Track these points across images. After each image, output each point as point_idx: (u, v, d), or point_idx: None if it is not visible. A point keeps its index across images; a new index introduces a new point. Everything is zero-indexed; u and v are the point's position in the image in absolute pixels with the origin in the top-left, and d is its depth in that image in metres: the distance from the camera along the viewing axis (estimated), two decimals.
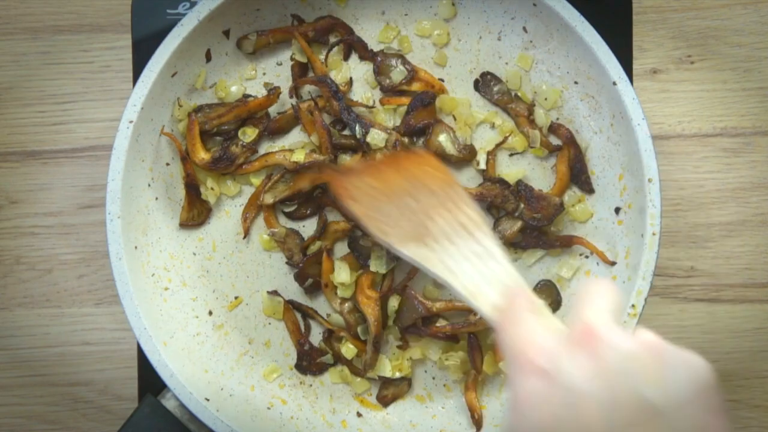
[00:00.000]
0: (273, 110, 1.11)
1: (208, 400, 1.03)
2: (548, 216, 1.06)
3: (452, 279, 0.84)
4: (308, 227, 1.11)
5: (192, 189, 1.08)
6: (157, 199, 1.08)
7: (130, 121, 1.02)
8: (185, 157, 1.08)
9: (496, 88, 1.10)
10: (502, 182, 1.07)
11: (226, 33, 1.07)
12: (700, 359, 0.66)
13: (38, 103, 1.18)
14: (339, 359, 1.10)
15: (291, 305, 1.10)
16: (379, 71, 1.08)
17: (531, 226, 1.07)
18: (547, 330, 0.72)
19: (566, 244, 1.08)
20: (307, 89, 1.10)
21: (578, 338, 0.68)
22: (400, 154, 0.99)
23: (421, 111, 1.06)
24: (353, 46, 1.10)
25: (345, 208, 0.95)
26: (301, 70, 1.10)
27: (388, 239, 0.90)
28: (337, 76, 1.09)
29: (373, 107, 1.10)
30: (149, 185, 1.07)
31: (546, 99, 1.08)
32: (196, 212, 1.10)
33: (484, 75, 1.10)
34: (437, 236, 0.87)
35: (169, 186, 1.09)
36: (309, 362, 1.10)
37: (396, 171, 0.95)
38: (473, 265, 0.83)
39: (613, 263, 1.05)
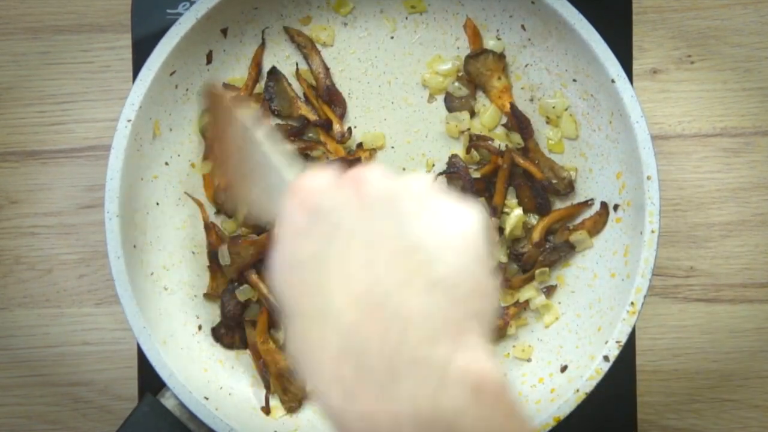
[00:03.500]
0: None
1: (207, 398, 1.03)
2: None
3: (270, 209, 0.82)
4: None
5: (215, 260, 1.09)
6: (156, 198, 1.08)
7: (129, 120, 1.02)
8: (209, 226, 1.09)
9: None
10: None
11: (224, 31, 1.08)
12: (470, 210, 0.66)
13: (38, 103, 1.18)
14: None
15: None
16: None
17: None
18: (325, 176, 0.70)
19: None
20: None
21: (347, 178, 0.68)
22: None
23: None
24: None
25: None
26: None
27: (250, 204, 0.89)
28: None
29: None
30: (148, 184, 1.07)
31: (554, 108, 1.09)
32: (220, 282, 1.10)
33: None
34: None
35: (168, 185, 1.09)
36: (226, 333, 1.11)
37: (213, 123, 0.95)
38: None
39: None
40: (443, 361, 0.59)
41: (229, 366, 1.09)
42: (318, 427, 1.08)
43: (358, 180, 0.67)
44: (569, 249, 1.09)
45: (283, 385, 1.08)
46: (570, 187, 1.09)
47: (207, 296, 1.10)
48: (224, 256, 1.06)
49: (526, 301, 1.10)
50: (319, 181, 0.69)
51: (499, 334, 1.10)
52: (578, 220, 1.09)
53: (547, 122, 1.10)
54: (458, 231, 0.64)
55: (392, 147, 1.11)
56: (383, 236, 0.63)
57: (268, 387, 1.09)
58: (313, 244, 0.65)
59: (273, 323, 1.09)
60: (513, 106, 1.08)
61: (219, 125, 0.92)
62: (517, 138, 1.09)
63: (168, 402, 1.04)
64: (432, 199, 0.66)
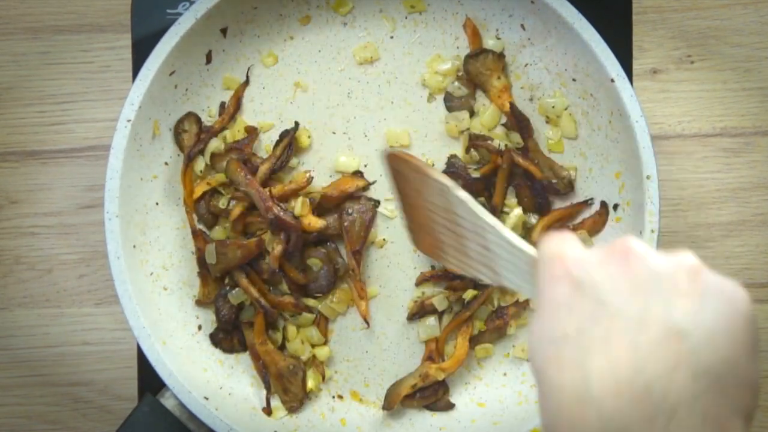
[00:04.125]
0: None
1: (207, 398, 1.03)
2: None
3: (489, 274, 0.83)
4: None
5: (205, 266, 1.08)
6: (156, 198, 1.08)
7: (128, 120, 1.02)
8: (197, 232, 1.09)
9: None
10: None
11: (224, 31, 1.08)
12: (740, 290, 0.63)
13: (38, 103, 1.18)
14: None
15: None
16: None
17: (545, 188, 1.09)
18: (583, 246, 0.69)
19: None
20: None
21: (614, 252, 0.65)
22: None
23: None
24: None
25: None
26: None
27: (451, 263, 0.90)
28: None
29: None
30: (148, 184, 1.07)
31: (554, 106, 1.09)
32: (211, 288, 1.10)
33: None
34: (456, 247, 0.87)
35: (167, 185, 1.09)
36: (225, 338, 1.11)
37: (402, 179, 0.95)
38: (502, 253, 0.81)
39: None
40: None
41: (228, 366, 1.09)
42: (318, 427, 1.08)
43: (627, 254, 0.65)
44: None
45: (284, 386, 1.08)
46: (570, 186, 1.09)
47: (199, 303, 1.10)
48: (211, 255, 1.06)
49: (526, 301, 1.10)
50: (581, 250, 0.67)
51: (499, 333, 1.10)
52: (578, 220, 1.09)
53: (547, 122, 1.10)
54: (728, 316, 0.61)
55: (392, 147, 1.11)
56: (650, 319, 0.61)
57: (268, 388, 1.09)
58: (575, 319, 0.63)
59: (270, 324, 1.09)
60: (512, 105, 1.08)
61: (410, 188, 0.93)
62: (516, 138, 1.09)
63: (168, 402, 1.04)
64: (702, 279, 0.63)
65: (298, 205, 1.06)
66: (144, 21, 1.14)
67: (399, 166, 0.94)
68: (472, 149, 1.09)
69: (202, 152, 1.09)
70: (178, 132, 1.09)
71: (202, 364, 1.07)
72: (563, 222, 1.09)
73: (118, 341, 1.18)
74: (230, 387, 1.08)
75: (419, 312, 1.10)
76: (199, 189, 1.09)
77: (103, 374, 1.18)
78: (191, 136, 1.09)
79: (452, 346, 1.10)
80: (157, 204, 1.08)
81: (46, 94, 1.18)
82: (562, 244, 0.69)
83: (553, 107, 1.09)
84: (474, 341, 1.10)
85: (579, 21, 1.02)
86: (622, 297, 0.62)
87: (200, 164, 1.09)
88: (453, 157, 1.09)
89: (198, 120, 1.09)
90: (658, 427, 0.58)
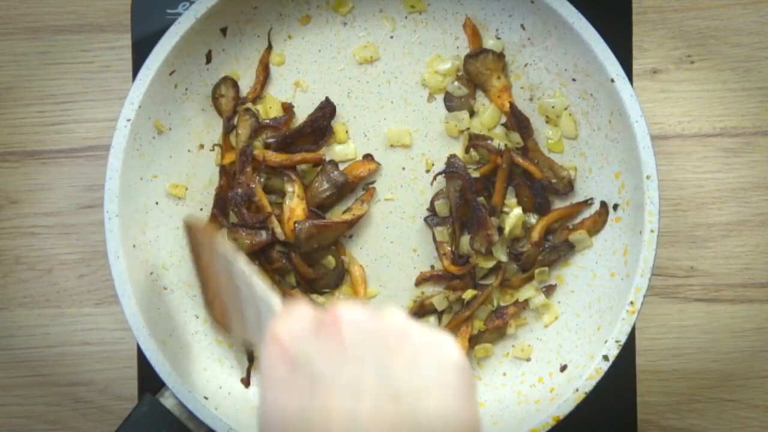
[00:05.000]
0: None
1: (206, 398, 1.03)
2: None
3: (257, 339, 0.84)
4: None
5: (220, 203, 1.09)
6: (156, 197, 1.08)
7: (128, 120, 1.02)
8: (224, 168, 1.10)
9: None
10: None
11: (224, 31, 1.08)
12: (449, 341, 0.65)
13: (38, 103, 1.18)
14: None
15: None
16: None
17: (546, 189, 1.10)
18: (304, 319, 0.69)
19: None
20: None
21: (325, 323, 0.66)
22: None
23: None
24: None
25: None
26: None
27: (243, 335, 0.92)
28: None
29: None
30: (148, 184, 1.07)
31: (553, 107, 1.09)
32: (216, 226, 1.10)
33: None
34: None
35: (167, 184, 1.09)
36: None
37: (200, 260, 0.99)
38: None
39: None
40: None
41: (228, 366, 1.09)
42: None
43: (335, 323, 0.66)
44: (569, 248, 1.09)
45: None
46: (569, 186, 1.09)
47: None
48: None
49: (526, 301, 1.10)
50: (297, 326, 0.68)
51: (499, 333, 1.10)
52: (578, 220, 1.09)
53: (547, 122, 1.10)
54: (439, 369, 0.64)
55: (392, 146, 1.11)
56: (364, 386, 0.62)
57: (251, 359, 1.09)
58: (294, 398, 0.64)
59: None
60: (512, 105, 1.08)
61: (203, 258, 0.96)
62: (516, 137, 1.09)
63: (167, 401, 1.04)
64: (410, 337, 0.65)
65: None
66: (144, 21, 1.14)
67: (193, 235, 0.97)
68: (471, 149, 1.09)
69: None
70: (215, 97, 1.10)
71: (201, 363, 1.07)
72: (563, 221, 1.09)
73: (118, 341, 1.18)
74: (230, 387, 1.08)
75: (419, 312, 1.10)
76: (229, 156, 1.10)
77: (103, 374, 1.18)
78: (228, 100, 1.10)
79: None
80: (157, 203, 1.08)
81: (46, 94, 1.18)
82: (281, 323, 0.69)
83: (553, 107, 1.09)
84: (473, 341, 1.10)
85: (579, 21, 1.02)
86: (336, 367, 0.63)
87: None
88: (453, 156, 1.09)
89: (234, 84, 1.10)
90: None
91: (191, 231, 0.98)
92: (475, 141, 1.09)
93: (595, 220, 1.08)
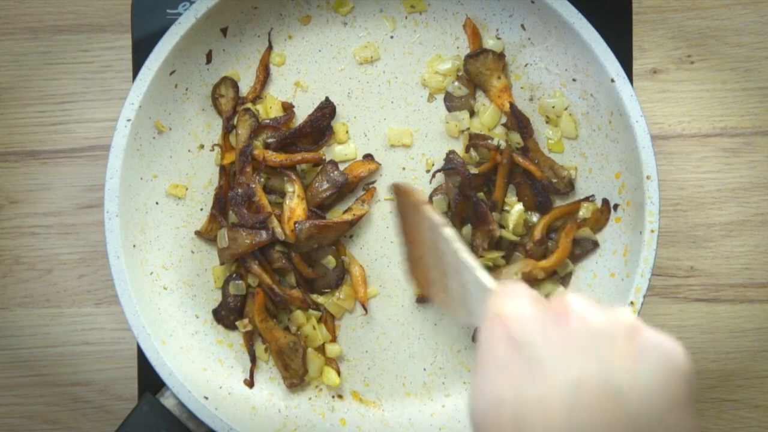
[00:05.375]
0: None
1: (206, 398, 1.03)
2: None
3: (464, 311, 0.84)
4: None
5: (219, 203, 1.09)
6: (156, 197, 1.08)
7: (128, 120, 1.02)
8: (224, 168, 1.10)
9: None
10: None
11: (224, 31, 1.08)
12: (677, 347, 0.64)
13: (38, 103, 1.18)
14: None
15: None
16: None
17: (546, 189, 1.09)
18: (529, 302, 0.68)
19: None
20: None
21: (553, 311, 0.65)
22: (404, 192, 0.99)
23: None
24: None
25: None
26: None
27: (449, 307, 0.90)
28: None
29: None
30: (148, 184, 1.07)
31: (553, 107, 1.09)
32: (215, 226, 1.10)
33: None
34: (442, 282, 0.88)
35: (168, 184, 1.09)
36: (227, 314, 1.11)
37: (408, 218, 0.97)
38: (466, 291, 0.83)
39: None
40: None
41: (228, 365, 1.09)
42: (318, 427, 1.08)
43: (566, 313, 0.65)
44: (592, 245, 1.08)
45: (284, 362, 1.08)
46: (570, 186, 1.09)
47: (198, 234, 1.10)
48: (222, 239, 1.06)
49: (547, 295, 1.10)
50: (522, 308, 0.67)
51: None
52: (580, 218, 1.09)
53: (547, 122, 1.10)
54: (665, 374, 0.62)
55: (392, 146, 1.11)
56: (586, 380, 0.61)
57: (253, 360, 1.09)
58: (512, 382, 0.63)
59: (277, 305, 1.09)
60: (512, 105, 1.08)
61: (409, 220, 0.95)
62: (516, 137, 1.09)
63: (167, 401, 1.04)
64: (640, 338, 0.63)
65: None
66: (144, 21, 1.14)
67: (401, 197, 0.96)
68: (471, 149, 1.09)
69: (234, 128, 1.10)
70: (215, 97, 1.10)
71: (201, 363, 1.07)
72: (564, 219, 1.09)
73: (118, 341, 1.18)
74: (230, 386, 1.08)
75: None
76: (229, 156, 1.10)
77: (103, 374, 1.18)
78: (228, 100, 1.10)
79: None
80: (157, 203, 1.08)
81: (46, 94, 1.18)
82: (505, 302, 0.68)
83: (553, 107, 1.09)
84: None
85: (579, 21, 1.02)
86: (559, 357, 0.62)
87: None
88: (451, 152, 1.09)
89: (234, 84, 1.10)
90: None
91: (400, 192, 0.96)
92: (475, 140, 1.09)
93: (597, 218, 1.08)
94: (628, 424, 0.60)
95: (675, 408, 0.61)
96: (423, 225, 0.91)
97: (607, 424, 0.59)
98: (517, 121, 1.08)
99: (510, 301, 0.69)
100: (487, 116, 1.10)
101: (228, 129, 1.10)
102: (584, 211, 1.08)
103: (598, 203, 1.08)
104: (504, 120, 1.10)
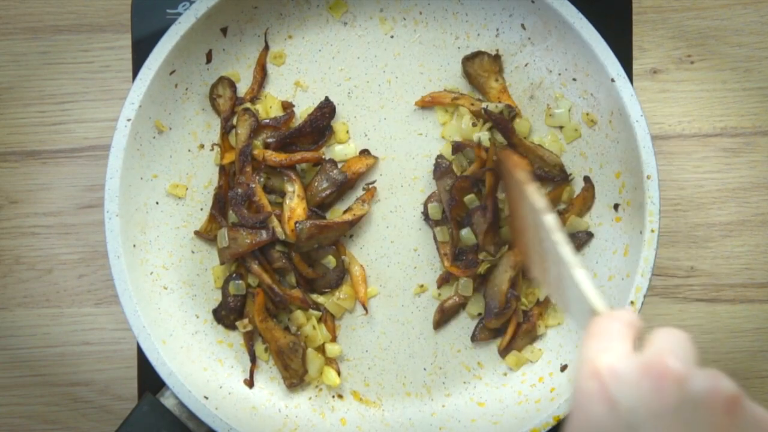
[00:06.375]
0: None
1: (206, 398, 1.03)
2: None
3: (559, 299, 0.85)
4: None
5: (219, 203, 1.09)
6: (156, 197, 1.08)
7: (128, 120, 1.02)
8: (223, 168, 1.10)
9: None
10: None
11: (224, 30, 1.08)
12: None
13: (38, 103, 1.18)
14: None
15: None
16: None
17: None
18: (626, 354, 0.65)
19: None
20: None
21: (651, 370, 0.62)
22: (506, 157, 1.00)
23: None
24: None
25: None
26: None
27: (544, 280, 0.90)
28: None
29: None
30: (148, 183, 1.07)
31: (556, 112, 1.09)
32: (215, 226, 1.10)
33: None
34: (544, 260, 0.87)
35: (168, 184, 1.09)
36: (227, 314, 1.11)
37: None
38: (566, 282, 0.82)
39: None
40: None
41: (228, 365, 1.09)
42: (318, 427, 1.08)
43: (665, 375, 0.61)
44: (587, 236, 1.08)
45: (284, 362, 1.08)
46: (563, 171, 1.08)
47: (198, 234, 1.10)
48: (222, 239, 1.06)
49: (547, 299, 1.10)
50: (620, 364, 0.64)
51: (531, 337, 1.10)
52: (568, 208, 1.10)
53: (547, 122, 1.10)
54: None
55: (391, 145, 1.11)
56: None
57: (253, 360, 1.09)
58: None
59: (277, 305, 1.10)
60: (486, 109, 1.07)
61: (512, 194, 0.96)
62: (500, 136, 1.09)
63: (167, 401, 1.04)
64: (740, 412, 0.60)
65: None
66: (144, 21, 1.14)
67: (506, 166, 0.97)
68: (459, 153, 1.08)
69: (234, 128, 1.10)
70: (213, 97, 1.10)
71: (201, 363, 1.07)
72: (553, 206, 1.09)
73: (118, 341, 1.18)
74: (230, 386, 1.08)
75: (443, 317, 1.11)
76: (229, 156, 1.10)
77: (103, 374, 1.18)
78: (226, 100, 1.10)
79: None
80: (157, 203, 1.08)
81: (46, 94, 1.18)
82: (601, 354, 0.65)
83: (555, 107, 1.09)
84: (505, 351, 1.10)
85: (579, 21, 1.02)
86: (653, 421, 0.60)
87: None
88: (440, 157, 1.09)
89: (232, 84, 1.10)
90: None
91: (506, 159, 0.98)
92: (457, 145, 1.08)
93: (584, 197, 1.08)
94: None
95: None
96: (525, 203, 0.90)
97: None
98: (496, 124, 1.07)
99: (607, 353, 0.66)
100: (465, 122, 1.09)
101: (226, 129, 1.10)
102: (567, 195, 1.09)
103: (580, 182, 1.09)
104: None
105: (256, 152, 1.07)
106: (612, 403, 0.62)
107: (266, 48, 1.11)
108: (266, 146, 1.08)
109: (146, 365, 1.03)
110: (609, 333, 0.68)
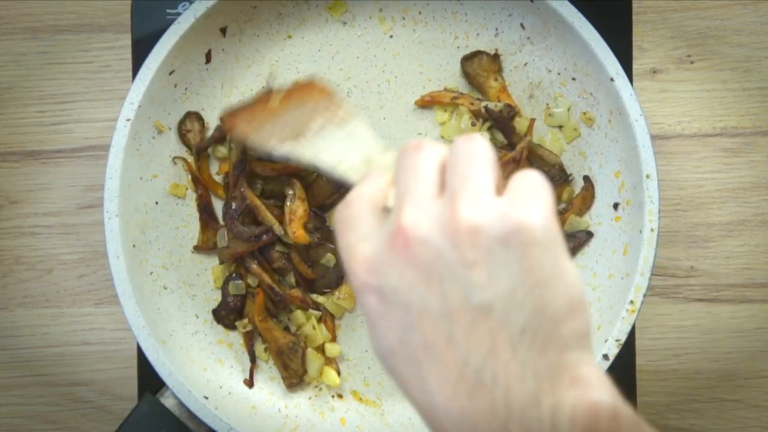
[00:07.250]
0: None
1: (206, 398, 1.03)
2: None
3: (319, 160, 0.88)
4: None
5: (205, 211, 1.09)
6: (156, 197, 1.08)
7: (128, 120, 1.02)
8: (197, 178, 1.09)
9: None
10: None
11: (223, 30, 1.08)
12: (516, 217, 0.58)
13: (38, 103, 1.18)
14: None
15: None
16: None
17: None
18: (375, 230, 0.63)
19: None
20: None
21: (395, 242, 0.60)
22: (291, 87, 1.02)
23: None
24: None
25: (234, 138, 1.00)
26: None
27: (268, 145, 0.94)
28: None
29: None
30: (148, 183, 1.07)
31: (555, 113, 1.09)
32: (210, 235, 1.10)
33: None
34: (311, 133, 0.92)
35: (167, 184, 1.09)
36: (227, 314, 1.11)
37: (284, 100, 1.00)
38: (340, 143, 0.86)
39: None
40: (550, 415, 0.56)
41: (228, 365, 1.09)
42: (318, 427, 1.08)
43: (407, 241, 0.59)
44: (587, 236, 1.08)
45: (284, 362, 1.08)
46: (562, 171, 1.08)
47: (197, 248, 1.10)
48: (222, 239, 1.06)
49: None
50: (370, 253, 0.62)
51: None
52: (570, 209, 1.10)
53: (546, 122, 1.10)
54: (521, 261, 0.57)
55: (391, 145, 1.11)
56: (453, 307, 0.58)
57: (253, 360, 1.09)
58: (393, 331, 0.61)
59: (277, 305, 1.09)
60: (487, 108, 1.07)
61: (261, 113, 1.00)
62: (500, 135, 1.09)
63: (167, 401, 1.04)
64: (481, 238, 0.58)
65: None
66: (144, 21, 1.14)
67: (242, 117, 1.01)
68: None
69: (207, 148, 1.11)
70: (182, 133, 1.09)
71: (201, 363, 1.07)
72: (556, 206, 1.08)
73: (118, 341, 1.18)
74: (230, 386, 1.08)
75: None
76: (224, 167, 1.10)
77: (102, 374, 1.18)
78: (195, 134, 1.09)
79: None
80: (157, 203, 1.08)
81: (46, 94, 1.18)
82: (351, 239, 0.64)
83: (553, 107, 1.09)
84: None
85: (579, 20, 1.02)
86: (421, 294, 0.59)
87: (221, 151, 1.11)
88: None
89: (199, 117, 1.10)
90: (499, 409, 0.57)
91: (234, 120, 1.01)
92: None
93: (584, 197, 1.08)
94: (505, 334, 0.57)
95: (545, 291, 0.57)
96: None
97: (488, 344, 0.57)
98: (496, 122, 1.07)
99: (356, 235, 0.64)
100: (466, 119, 1.10)
101: (199, 162, 1.10)
102: (567, 195, 1.09)
103: (580, 182, 1.09)
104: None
105: (252, 165, 1.07)
106: (378, 291, 0.61)
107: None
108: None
109: (146, 365, 1.02)
110: (349, 220, 0.66)
